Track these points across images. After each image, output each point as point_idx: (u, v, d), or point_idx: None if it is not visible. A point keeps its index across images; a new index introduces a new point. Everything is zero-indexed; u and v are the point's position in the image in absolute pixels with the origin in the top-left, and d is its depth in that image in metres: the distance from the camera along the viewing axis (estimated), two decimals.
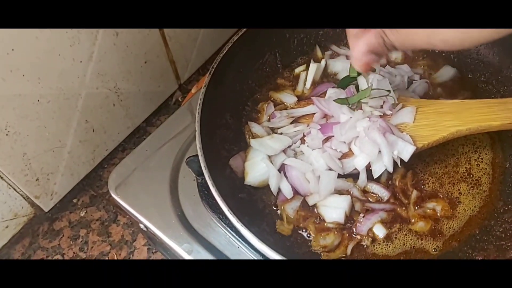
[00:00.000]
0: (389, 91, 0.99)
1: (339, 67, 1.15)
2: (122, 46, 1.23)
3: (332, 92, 1.04)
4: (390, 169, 0.93)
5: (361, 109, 0.99)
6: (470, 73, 1.16)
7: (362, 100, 0.99)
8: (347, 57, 1.18)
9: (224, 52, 1.05)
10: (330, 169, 0.96)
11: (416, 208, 0.97)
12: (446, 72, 1.17)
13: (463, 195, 0.99)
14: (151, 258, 1.26)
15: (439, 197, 0.99)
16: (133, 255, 1.27)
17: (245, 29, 1.09)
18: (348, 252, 0.94)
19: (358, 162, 0.95)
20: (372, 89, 0.98)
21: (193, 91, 1.36)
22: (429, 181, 1.02)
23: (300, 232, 0.97)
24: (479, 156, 1.04)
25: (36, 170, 1.19)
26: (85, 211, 1.35)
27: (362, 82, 1.03)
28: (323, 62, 1.16)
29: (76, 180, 1.35)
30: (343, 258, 0.94)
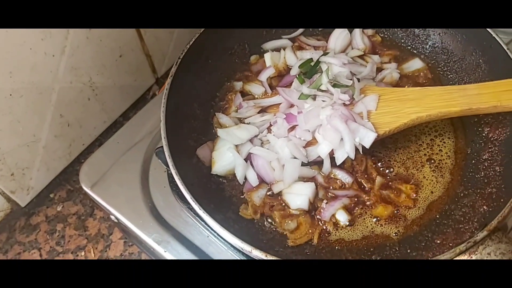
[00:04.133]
0: (347, 86, 1.01)
1: (308, 57, 1.16)
2: (96, 40, 1.23)
3: (297, 82, 1.05)
4: (352, 156, 0.95)
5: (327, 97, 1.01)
6: (435, 62, 1.18)
7: (325, 88, 1.01)
8: (315, 48, 1.19)
9: (191, 42, 1.06)
10: (295, 158, 0.97)
11: (380, 193, 0.99)
12: (415, 64, 1.18)
13: (427, 179, 1.01)
14: (127, 251, 1.27)
15: (403, 182, 1.00)
16: (109, 249, 1.28)
17: None
18: (315, 239, 0.95)
19: (321, 150, 0.96)
20: (335, 83, 1.00)
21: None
22: (394, 166, 1.03)
23: (265, 219, 0.98)
24: (442, 141, 1.06)
25: (11, 165, 1.19)
26: (62, 205, 1.36)
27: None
28: (282, 52, 1.18)
29: (53, 175, 1.35)
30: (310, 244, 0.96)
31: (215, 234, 1.00)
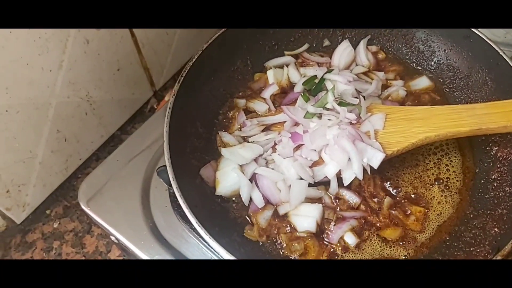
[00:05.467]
0: (354, 104, 1.00)
1: (311, 74, 1.14)
2: (93, 54, 1.21)
3: (302, 100, 1.03)
4: (360, 177, 0.93)
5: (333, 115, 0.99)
6: (440, 79, 1.16)
7: (331, 107, 0.99)
8: (319, 64, 1.17)
9: (194, 60, 1.04)
10: (301, 178, 0.95)
11: (389, 214, 0.97)
12: (422, 82, 1.16)
13: (436, 199, 0.99)
14: None
15: (412, 204, 0.99)
16: None
17: (215, 37, 1.08)
18: None
19: (328, 170, 0.94)
20: (341, 101, 0.98)
21: (166, 98, 1.35)
22: (402, 186, 1.01)
23: (272, 242, 0.96)
24: (449, 160, 1.04)
25: (7, 181, 1.16)
26: (58, 222, 1.33)
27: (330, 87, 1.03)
28: (285, 69, 1.17)
29: (49, 190, 1.33)
30: None
31: (220, 256, 0.98)
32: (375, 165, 0.93)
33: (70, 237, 1.30)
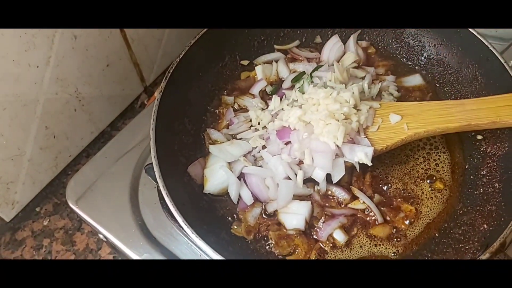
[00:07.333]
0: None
1: (301, 69, 1.14)
2: (82, 49, 1.19)
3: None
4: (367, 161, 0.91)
5: None
6: (430, 74, 1.15)
7: None
8: (308, 59, 1.16)
9: (181, 56, 1.03)
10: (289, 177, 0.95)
11: (379, 211, 0.96)
12: (415, 80, 1.15)
13: (425, 194, 0.99)
14: None
15: (402, 201, 0.98)
16: None
17: (203, 32, 1.07)
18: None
19: (317, 175, 0.93)
20: None
21: (156, 94, 1.33)
22: (392, 182, 1.01)
23: (260, 240, 0.96)
24: (438, 156, 1.04)
25: None
26: (48, 219, 1.32)
27: None
28: (274, 64, 1.16)
29: (39, 188, 1.31)
30: None
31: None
32: (368, 161, 0.92)
33: (60, 234, 1.29)
